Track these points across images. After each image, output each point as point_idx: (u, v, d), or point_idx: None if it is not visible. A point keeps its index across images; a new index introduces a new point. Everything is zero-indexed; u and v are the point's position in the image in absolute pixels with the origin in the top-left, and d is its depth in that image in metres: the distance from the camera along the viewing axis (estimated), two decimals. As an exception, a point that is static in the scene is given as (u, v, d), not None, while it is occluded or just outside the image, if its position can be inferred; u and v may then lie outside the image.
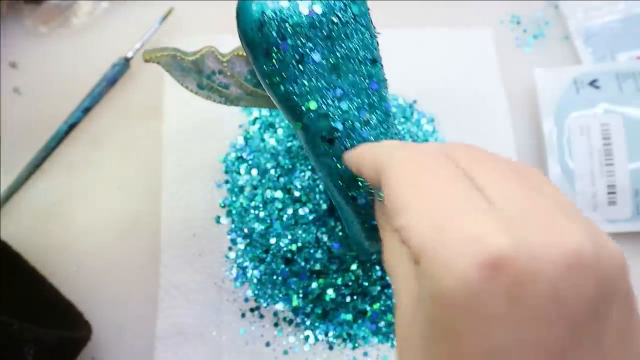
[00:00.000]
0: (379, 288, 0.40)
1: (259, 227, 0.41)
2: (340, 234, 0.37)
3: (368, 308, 0.40)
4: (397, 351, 0.21)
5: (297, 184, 0.42)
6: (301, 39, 0.27)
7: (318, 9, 0.27)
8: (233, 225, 0.42)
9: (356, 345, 0.39)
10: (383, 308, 0.40)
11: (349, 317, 0.40)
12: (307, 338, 0.40)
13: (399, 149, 0.22)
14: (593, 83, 0.43)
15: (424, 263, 0.18)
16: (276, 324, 0.40)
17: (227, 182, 0.43)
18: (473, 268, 0.17)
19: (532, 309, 0.17)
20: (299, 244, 0.39)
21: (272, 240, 0.41)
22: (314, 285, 0.40)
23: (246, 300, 0.40)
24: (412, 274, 0.20)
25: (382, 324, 0.40)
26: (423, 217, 0.18)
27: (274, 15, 0.26)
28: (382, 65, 0.29)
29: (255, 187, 0.41)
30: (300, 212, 0.39)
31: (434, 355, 0.18)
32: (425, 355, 0.19)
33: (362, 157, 0.25)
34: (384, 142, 0.25)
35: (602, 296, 0.17)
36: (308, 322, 0.40)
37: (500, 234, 0.17)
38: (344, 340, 0.40)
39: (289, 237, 0.41)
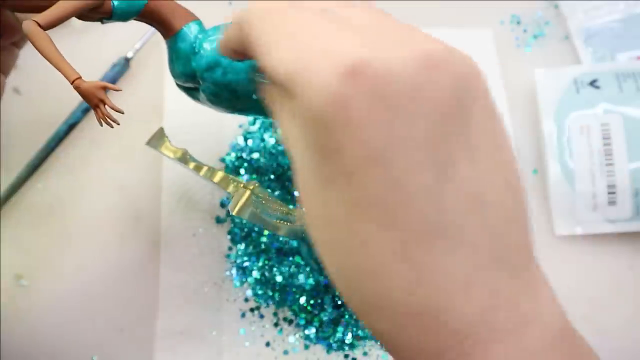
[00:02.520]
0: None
1: (258, 226, 0.41)
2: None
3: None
4: (305, 211, 0.21)
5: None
6: None
7: None
8: (233, 225, 0.42)
9: (356, 345, 0.39)
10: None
11: (349, 316, 0.40)
12: (307, 338, 0.40)
13: (256, 3, 0.22)
14: (593, 83, 0.43)
15: (294, 96, 0.19)
16: (276, 324, 0.40)
17: (227, 182, 0.43)
18: (334, 78, 0.18)
19: (395, 108, 0.18)
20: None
21: (272, 240, 0.41)
22: (314, 283, 0.40)
23: (246, 300, 0.40)
24: (296, 132, 0.20)
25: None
26: (286, 49, 0.19)
27: None
28: None
29: (255, 187, 0.41)
30: (300, 212, 0.39)
31: (329, 186, 0.19)
32: (323, 193, 0.20)
33: (227, 33, 0.25)
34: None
35: (459, 93, 0.19)
36: (307, 322, 0.40)
37: (356, 45, 0.18)
38: (344, 340, 0.40)
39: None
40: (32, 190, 0.43)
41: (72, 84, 0.26)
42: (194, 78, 0.30)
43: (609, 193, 0.41)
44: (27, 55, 0.27)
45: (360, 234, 0.19)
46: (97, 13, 0.27)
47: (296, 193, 0.42)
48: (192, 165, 0.35)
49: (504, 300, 0.19)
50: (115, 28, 0.30)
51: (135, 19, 0.29)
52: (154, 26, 0.30)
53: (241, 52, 0.24)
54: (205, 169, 0.35)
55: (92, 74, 0.45)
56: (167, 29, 0.30)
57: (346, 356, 0.39)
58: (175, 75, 0.31)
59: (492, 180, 0.20)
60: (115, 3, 0.27)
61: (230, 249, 0.42)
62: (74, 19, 0.27)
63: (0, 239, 0.42)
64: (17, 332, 0.39)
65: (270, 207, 0.32)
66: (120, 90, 0.27)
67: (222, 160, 0.44)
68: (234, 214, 0.31)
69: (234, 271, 0.41)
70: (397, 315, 0.19)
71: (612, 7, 0.48)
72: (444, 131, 0.18)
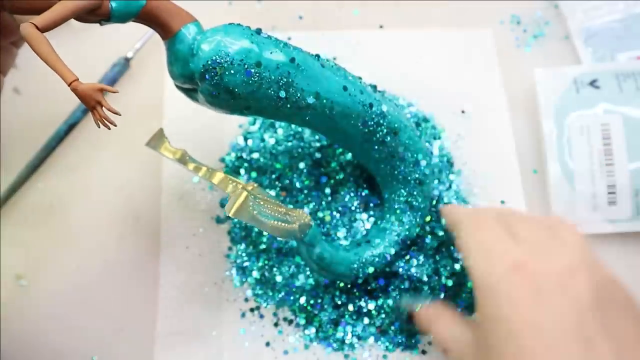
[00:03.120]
0: (379, 287, 0.40)
1: (259, 227, 0.41)
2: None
3: (370, 308, 0.40)
4: None
5: (297, 184, 0.42)
6: None
7: None
8: (233, 225, 0.42)
9: (356, 345, 0.39)
10: (384, 308, 0.40)
11: (349, 316, 0.40)
12: (307, 338, 0.40)
13: (466, 214, 0.34)
14: (593, 83, 0.43)
15: (474, 279, 0.29)
16: (276, 324, 0.40)
17: (227, 182, 0.43)
18: (506, 269, 0.28)
19: (546, 296, 0.26)
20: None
21: (272, 240, 0.41)
22: (314, 283, 0.40)
23: (246, 300, 0.40)
24: (466, 333, 0.31)
25: (382, 323, 0.39)
26: (476, 252, 0.30)
27: None
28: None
29: (255, 187, 0.41)
30: (300, 212, 0.39)
31: (492, 349, 0.27)
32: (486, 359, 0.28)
33: (447, 217, 0.37)
34: (458, 208, 0.37)
35: (600, 295, 0.26)
36: (307, 322, 0.40)
37: (522, 252, 0.29)
38: (344, 341, 0.39)
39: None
40: (32, 190, 0.43)
41: (69, 85, 0.26)
42: (192, 79, 0.30)
43: (609, 193, 0.41)
44: (27, 56, 0.27)
45: None
46: (95, 15, 0.27)
47: (296, 193, 0.42)
48: (191, 166, 0.35)
49: None
50: (115, 28, 0.30)
51: (133, 21, 0.29)
52: (152, 28, 0.30)
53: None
54: (204, 169, 0.35)
55: (92, 74, 0.45)
56: (165, 30, 0.29)
57: (346, 356, 0.39)
58: (173, 76, 0.31)
59: (626, 354, 0.26)
60: (113, 5, 0.27)
61: (230, 249, 0.42)
62: (73, 20, 0.27)
63: (0, 239, 0.42)
64: (17, 332, 0.39)
65: (268, 208, 0.32)
66: (117, 92, 0.27)
67: (222, 160, 0.44)
68: (230, 215, 0.31)
69: (234, 271, 0.41)
70: None
71: (612, 7, 0.48)
72: (586, 316, 0.26)
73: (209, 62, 0.29)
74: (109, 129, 0.27)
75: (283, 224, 0.32)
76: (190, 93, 0.32)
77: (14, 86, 0.45)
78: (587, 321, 0.26)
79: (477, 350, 0.29)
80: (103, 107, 0.26)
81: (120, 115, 0.27)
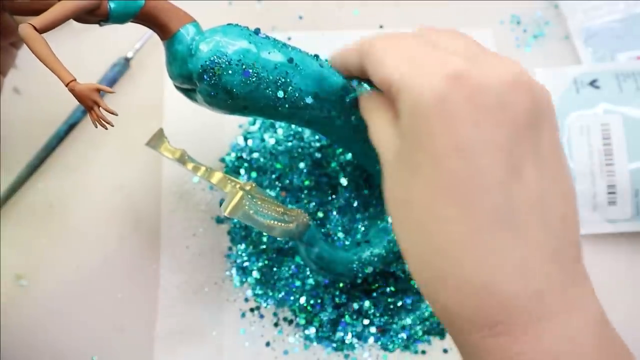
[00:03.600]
0: (379, 287, 0.40)
1: (259, 227, 0.41)
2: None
3: (369, 308, 0.40)
4: (388, 198, 0.26)
5: (297, 184, 0.42)
6: None
7: None
8: (233, 225, 0.42)
9: (356, 345, 0.39)
10: (384, 308, 0.40)
11: (349, 316, 0.40)
12: (307, 338, 0.40)
13: (376, 36, 0.28)
14: (593, 83, 0.43)
15: (403, 92, 0.24)
16: (276, 324, 0.40)
17: (227, 182, 0.43)
18: (441, 80, 0.23)
19: (486, 112, 0.22)
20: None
21: (272, 240, 0.41)
22: (314, 283, 0.40)
23: (246, 300, 0.40)
24: (391, 132, 0.26)
25: (382, 323, 0.40)
26: (402, 64, 0.24)
27: None
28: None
29: (255, 187, 0.41)
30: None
31: (418, 172, 0.24)
32: (410, 179, 0.24)
33: (347, 53, 0.30)
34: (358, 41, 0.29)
35: (535, 112, 0.23)
36: (307, 322, 0.40)
37: (460, 62, 0.23)
38: (344, 341, 0.40)
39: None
40: (32, 190, 0.43)
41: (66, 86, 0.26)
42: (191, 80, 0.30)
43: (609, 193, 0.41)
44: (27, 56, 0.27)
45: (440, 216, 0.23)
46: (94, 16, 0.27)
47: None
48: (190, 165, 0.35)
49: (554, 286, 0.23)
50: (115, 28, 0.30)
51: (132, 22, 0.29)
52: (151, 28, 0.30)
53: (354, 73, 0.30)
54: (203, 169, 0.35)
55: (92, 74, 0.45)
56: (164, 31, 0.30)
57: (346, 356, 0.39)
58: (172, 76, 0.31)
59: (553, 187, 0.24)
60: (112, 5, 0.27)
61: (230, 249, 0.42)
62: (73, 20, 0.27)
63: (0, 239, 0.42)
64: (17, 332, 0.39)
65: (265, 207, 0.32)
66: (114, 92, 0.27)
67: (222, 160, 0.44)
68: (225, 214, 0.31)
69: (234, 271, 0.41)
70: (461, 289, 0.23)
71: (612, 7, 0.48)
72: (519, 139, 0.23)
73: (207, 63, 0.29)
74: (106, 129, 0.27)
75: (280, 223, 0.32)
76: (189, 93, 0.32)
77: (14, 86, 0.45)
78: (519, 144, 0.23)
79: (398, 161, 0.25)
80: (100, 107, 0.26)
81: (117, 115, 0.27)
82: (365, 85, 0.32)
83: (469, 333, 0.24)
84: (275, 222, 0.32)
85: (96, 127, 0.27)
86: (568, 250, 0.24)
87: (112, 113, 0.27)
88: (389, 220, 0.35)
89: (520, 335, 0.23)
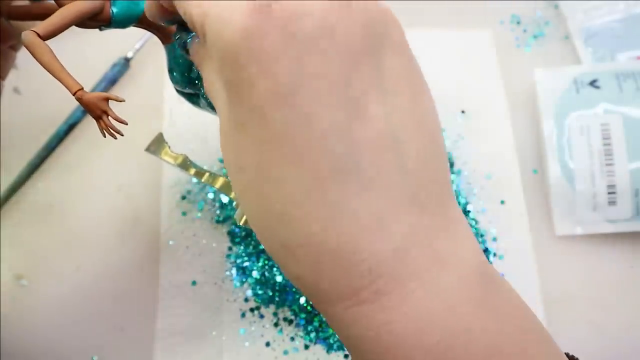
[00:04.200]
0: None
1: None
2: None
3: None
4: (225, 163, 0.22)
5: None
6: None
7: None
8: (233, 226, 0.42)
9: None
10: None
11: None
12: (307, 338, 0.40)
13: None
14: (593, 83, 0.43)
15: (208, 34, 0.19)
16: (276, 324, 0.40)
17: (227, 182, 0.43)
18: (245, 15, 0.18)
19: (307, 43, 0.18)
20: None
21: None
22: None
23: (246, 300, 0.40)
24: (221, 85, 0.21)
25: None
26: (206, 6, 0.19)
27: None
28: None
29: (255, 187, 0.41)
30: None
31: (241, 129, 0.20)
32: (236, 137, 0.20)
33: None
34: None
35: (371, 35, 0.19)
36: (307, 322, 0.40)
37: None
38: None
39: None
40: (32, 190, 0.43)
41: (74, 95, 0.26)
42: (195, 84, 0.30)
43: (609, 193, 0.41)
44: (27, 56, 0.27)
45: (272, 176, 0.19)
46: (96, 21, 0.27)
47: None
48: (192, 171, 0.35)
49: (418, 238, 0.20)
50: (116, 29, 0.30)
51: (133, 26, 0.29)
52: (152, 32, 0.30)
53: (168, 11, 0.24)
54: (206, 175, 0.34)
55: (92, 74, 0.45)
56: (165, 35, 0.29)
57: (346, 356, 0.39)
58: (174, 81, 0.31)
59: (405, 119, 0.20)
60: (114, 10, 0.27)
61: (230, 249, 0.42)
62: (72, 23, 0.27)
63: (0, 239, 0.42)
64: (17, 332, 0.39)
65: None
66: (124, 101, 0.27)
67: (222, 160, 0.43)
68: (240, 224, 0.30)
69: (234, 271, 0.41)
70: (312, 256, 0.19)
71: (612, 7, 0.48)
72: (354, 70, 0.19)
73: None
74: (115, 138, 0.27)
75: None
76: (192, 98, 0.32)
77: (14, 86, 0.45)
78: (356, 77, 0.19)
79: (229, 122, 0.20)
80: (109, 117, 0.26)
81: (126, 124, 0.26)
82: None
83: (330, 304, 0.20)
84: None
85: (104, 136, 0.27)
86: (431, 193, 0.20)
87: (122, 122, 0.26)
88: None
89: (386, 301, 0.19)
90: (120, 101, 0.26)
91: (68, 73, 0.25)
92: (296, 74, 0.18)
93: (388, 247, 0.19)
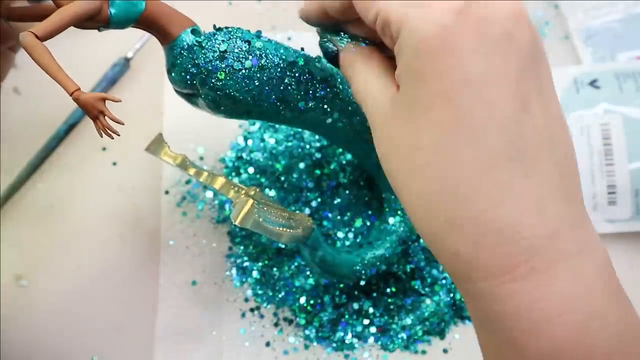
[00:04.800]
0: (379, 287, 0.40)
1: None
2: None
3: (369, 308, 0.40)
4: (386, 148, 0.25)
5: (297, 184, 0.42)
6: None
7: None
8: (233, 226, 0.42)
9: (356, 345, 0.39)
10: (384, 308, 0.40)
11: (349, 316, 0.40)
12: (307, 338, 0.40)
13: None
14: (593, 83, 0.43)
15: (405, 29, 0.23)
16: (276, 324, 0.40)
17: (227, 182, 0.43)
18: (446, 13, 0.22)
19: (493, 44, 0.22)
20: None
21: (272, 241, 0.41)
22: (314, 283, 0.40)
23: (246, 300, 0.40)
24: (383, 81, 0.25)
25: (382, 323, 0.40)
26: (407, 7, 0.23)
27: None
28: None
29: (255, 187, 0.41)
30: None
31: (425, 108, 0.23)
32: (415, 121, 0.23)
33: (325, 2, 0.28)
34: None
35: (536, 46, 0.23)
36: (307, 322, 0.40)
37: None
38: (344, 341, 0.40)
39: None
40: (32, 190, 0.43)
41: (71, 95, 0.26)
42: (193, 85, 0.30)
43: (609, 193, 0.41)
44: (27, 56, 0.27)
45: (450, 155, 0.22)
46: (94, 22, 0.27)
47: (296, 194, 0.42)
48: (192, 171, 0.35)
49: (567, 226, 0.22)
50: (115, 29, 0.30)
51: (132, 27, 0.29)
52: (151, 33, 0.29)
53: (334, 15, 0.28)
54: (205, 174, 0.34)
55: (92, 74, 0.45)
56: (164, 35, 0.29)
57: (346, 356, 0.39)
58: (173, 81, 0.31)
59: (556, 121, 0.23)
60: (113, 11, 0.27)
61: (230, 249, 0.42)
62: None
63: (0, 239, 0.42)
64: (17, 332, 0.39)
65: (272, 213, 0.32)
66: (120, 101, 0.27)
67: (222, 160, 0.44)
68: (236, 224, 0.30)
69: (234, 271, 0.41)
70: (477, 233, 0.22)
71: (612, 7, 0.48)
72: (526, 72, 0.22)
73: (210, 67, 0.29)
74: (112, 138, 0.27)
75: (288, 230, 0.32)
76: (191, 98, 0.32)
77: (14, 86, 0.45)
78: (526, 78, 0.22)
79: (396, 108, 0.24)
80: (106, 117, 0.26)
81: (123, 124, 0.26)
82: (346, 39, 0.29)
83: (484, 279, 0.22)
84: (284, 229, 0.32)
85: (102, 136, 0.27)
86: (574, 189, 0.23)
87: (119, 122, 0.26)
88: (391, 187, 0.31)
89: (539, 279, 0.22)
90: (117, 101, 0.26)
91: (65, 74, 0.26)
92: (484, 67, 0.22)
93: (544, 229, 0.22)
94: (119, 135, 0.27)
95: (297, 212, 0.34)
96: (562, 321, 0.22)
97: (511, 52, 0.22)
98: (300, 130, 0.43)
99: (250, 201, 0.31)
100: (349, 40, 0.28)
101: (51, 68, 0.25)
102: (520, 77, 0.22)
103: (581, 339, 0.22)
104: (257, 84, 0.29)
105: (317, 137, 0.43)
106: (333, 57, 0.29)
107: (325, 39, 0.29)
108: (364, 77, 0.26)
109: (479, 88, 0.22)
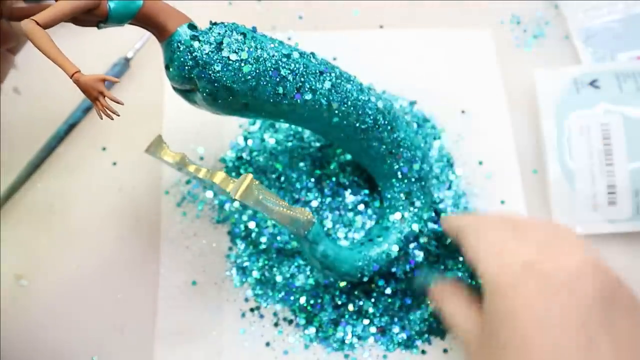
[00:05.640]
0: (379, 287, 0.40)
1: (258, 226, 0.41)
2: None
3: (369, 308, 0.40)
4: None
5: (297, 184, 0.42)
6: None
7: None
8: (233, 225, 0.42)
9: (356, 345, 0.39)
10: (384, 308, 0.40)
11: (349, 316, 0.40)
12: (307, 338, 0.40)
13: (470, 220, 0.35)
14: (593, 83, 0.43)
15: (485, 275, 0.30)
16: (276, 324, 0.40)
17: (227, 182, 0.43)
18: (514, 268, 0.28)
19: (554, 296, 0.27)
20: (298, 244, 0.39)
21: (272, 240, 0.41)
22: (314, 283, 0.40)
23: (246, 300, 0.40)
24: (469, 315, 0.32)
25: (382, 323, 0.40)
26: (484, 249, 0.31)
27: None
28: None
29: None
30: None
31: (501, 342, 0.27)
32: (495, 351, 0.28)
33: (450, 222, 0.37)
34: (460, 216, 0.38)
35: (606, 293, 0.27)
36: (307, 322, 0.40)
37: (532, 250, 0.29)
38: (344, 341, 0.40)
39: (290, 236, 0.41)
40: (32, 190, 0.43)
41: (71, 77, 0.26)
42: (191, 79, 0.30)
43: (609, 193, 0.41)
44: (27, 56, 0.27)
45: None
46: (93, 16, 0.27)
47: (296, 194, 0.42)
48: (192, 168, 0.35)
49: None
50: (115, 28, 0.30)
51: (130, 23, 0.29)
52: (148, 29, 0.30)
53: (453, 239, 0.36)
54: (204, 170, 0.35)
55: (92, 73, 0.45)
56: (161, 31, 0.30)
57: (346, 356, 0.39)
58: (171, 77, 0.31)
59: (625, 355, 0.26)
60: (112, 5, 0.27)
61: (230, 249, 0.42)
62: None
63: (0, 239, 0.42)
64: (17, 332, 0.39)
65: (271, 200, 0.32)
66: (118, 82, 0.27)
67: (222, 160, 0.44)
68: (236, 198, 0.30)
69: (234, 271, 0.41)
70: None
71: (612, 7, 0.48)
72: (591, 317, 0.26)
73: (207, 60, 0.29)
74: (112, 119, 0.27)
75: (288, 211, 0.32)
76: (188, 95, 0.32)
77: (14, 86, 0.45)
78: (591, 321, 0.26)
79: (483, 339, 0.29)
80: (105, 97, 0.27)
81: (122, 104, 0.27)
82: (434, 274, 0.38)
83: None
84: (284, 210, 0.32)
85: (101, 118, 0.27)
86: None
87: (118, 102, 0.27)
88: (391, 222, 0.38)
89: None
90: (115, 82, 0.27)
91: (65, 57, 0.26)
92: (542, 312, 0.26)
93: None
94: (118, 115, 0.27)
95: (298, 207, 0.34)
96: None
97: (571, 304, 0.26)
98: (300, 130, 0.43)
99: (250, 176, 0.31)
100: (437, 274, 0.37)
101: (51, 52, 0.26)
102: (585, 321, 0.26)
103: None
104: (254, 75, 0.29)
105: (317, 137, 0.43)
106: (422, 293, 0.38)
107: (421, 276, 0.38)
108: (454, 308, 0.33)
109: (543, 329, 0.26)
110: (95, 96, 0.26)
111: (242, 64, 0.29)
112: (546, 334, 0.26)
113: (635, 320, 0.27)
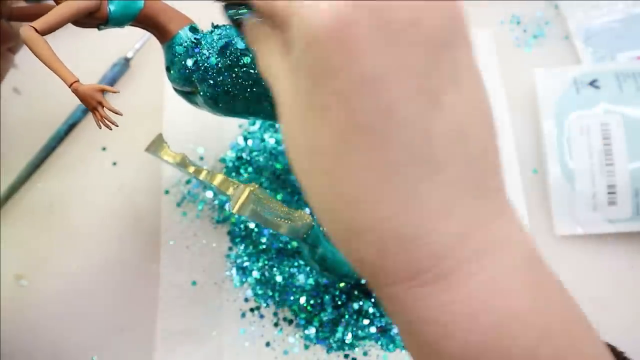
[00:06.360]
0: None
1: (258, 226, 0.41)
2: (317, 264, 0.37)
3: (369, 308, 0.40)
4: (289, 145, 0.23)
5: (297, 184, 0.42)
6: None
7: None
8: (233, 226, 0.42)
9: (356, 345, 0.39)
10: (384, 308, 0.40)
11: (349, 316, 0.40)
12: (307, 338, 0.40)
13: None
14: (593, 83, 0.43)
15: (294, 21, 0.20)
16: (276, 324, 0.40)
17: (227, 182, 0.43)
18: (340, 2, 0.18)
19: (396, 34, 0.19)
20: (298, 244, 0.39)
21: (272, 240, 0.41)
22: (314, 283, 0.40)
23: (246, 300, 0.40)
24: (285, 67, 0.21)
25: (383, 323, 0.40)
26: None
27: None
28: None
29: (255, 187, 0.41)
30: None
31: (320, 108, 0.20)
32: (312, 121, 0.20)
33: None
34: None
35: (450, 29, 0.20)
36: (307, 322, 0.40)
37: None
38: (344, 341, 0.39)
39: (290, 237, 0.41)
40: (32, 190, 0.43)
41: (70, 87, 0.26)
42: (192, 82, 0.30)
43: (609, 193, 0.41)
44: (27, 56, 0.27)
45: (348, 161, 0.20)
46: (93, 19, 0.27)
47: (296, 195, 0.42)
48: (191, 169, 0.35)
49: (479, 224, 0.21)
50: (115, 28, 0.30)
51: (130, 25, 0.29)
52: (149, 31, 0.30)
53: None
54: (204, 172, 0.35)
55: (92, 74, 0.45)
56: (162, 33, 0.29)
57: (346, 356, 0.39)
58: (172, 79, 0.31)
59: (473, 113, 0.21)
60: (112, 8, 0.27)
61: (230, 249, 0.42)
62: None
63: (1, 239, 0.42)
64: (17, 332, 0.39)
65: (270, 206, 0.32)
66: (117, 92, 0.27)
67: (222, 160, 0.44)
68: (234, 212, 0.31)
69: (234, 271, 0.41)
70: (380, 240, 0.20)
71: (612, 7, 0.48)
72: (436, 61, 0.19)
73: (207, 64, 0.29)
74: (110, 129, 0.27)
75: (286, 221, 0.32)
76: (189, 96, 0.32)
77: (14, 86, 0.45)
78: (437, 69, 0.19)
79: (297, 107, 0.21)
80: (104, 107, 0.27)
81: (121, 115, 0.27)
82: (247, 10, 0.24)
83: (392, 285, 0.21)
84: (282, 220, 0.32)
85: (100, 127, 0.27)
86: (491, 183, 0.22)
87: (117, 113, 0.27)
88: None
89: (448, 283, 0.20)
90: (114, 92, 0.27)
91: (64, 66, 0.26)
92: (383, 62, 0.19)
93: (452, 232, 0.20)
94: (117, 126, 0.27)
95: (297, 210, 0.34)
96: (477, 323, 0.20)
97: (418, 40, 0.19)
98: (300, 130, 0.43)
99: (248, 189, 0.31)
100: (250, 12, 0.24)
101: (50, 60, 0.26)
102: (431, 67, 0.19)
103: (498, 341, 0.20)
104: (254, 77, 0.29)
105: (317, 137, 0.43)
106: (237, 26, 0.25)
107: (228, 9, 0.25)
108: (266, 56, 0.23)
109: (376, 87, 0.19)
110: (94, 106, 0.26)
111: (244, 69, 0.29)
112: (378, 92, 0.19)
113: (474, 62, 0.21)
